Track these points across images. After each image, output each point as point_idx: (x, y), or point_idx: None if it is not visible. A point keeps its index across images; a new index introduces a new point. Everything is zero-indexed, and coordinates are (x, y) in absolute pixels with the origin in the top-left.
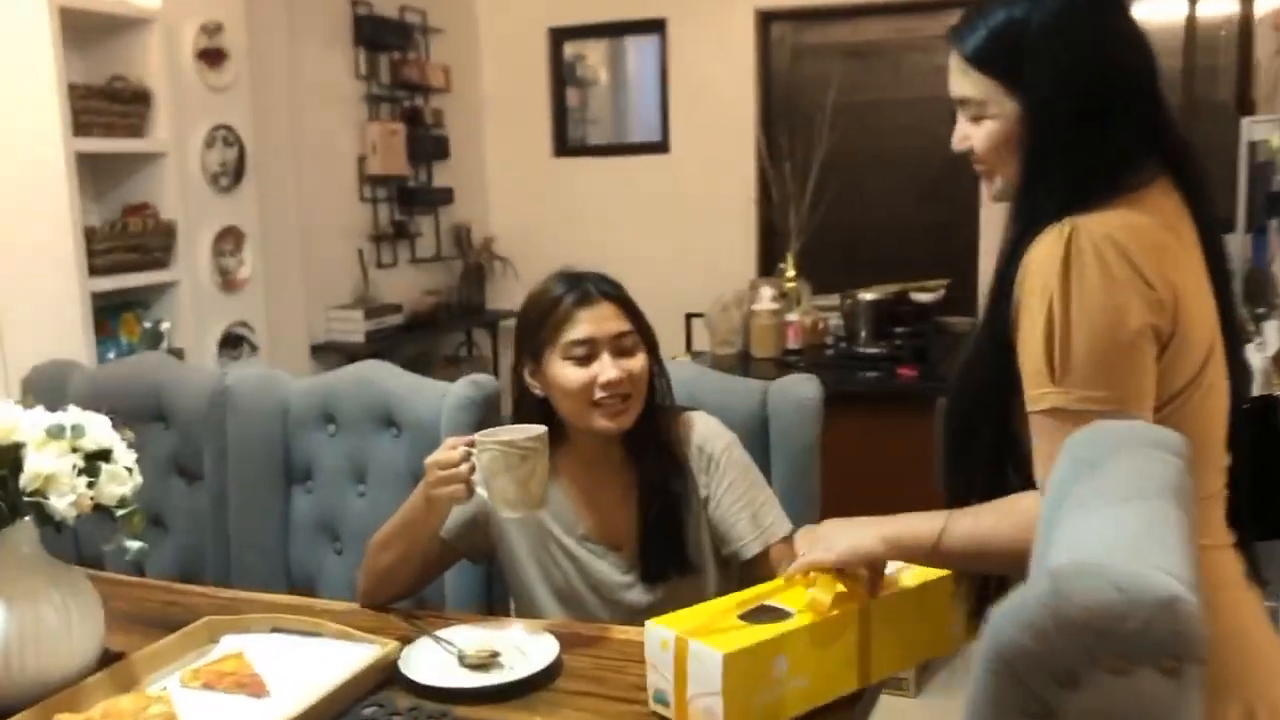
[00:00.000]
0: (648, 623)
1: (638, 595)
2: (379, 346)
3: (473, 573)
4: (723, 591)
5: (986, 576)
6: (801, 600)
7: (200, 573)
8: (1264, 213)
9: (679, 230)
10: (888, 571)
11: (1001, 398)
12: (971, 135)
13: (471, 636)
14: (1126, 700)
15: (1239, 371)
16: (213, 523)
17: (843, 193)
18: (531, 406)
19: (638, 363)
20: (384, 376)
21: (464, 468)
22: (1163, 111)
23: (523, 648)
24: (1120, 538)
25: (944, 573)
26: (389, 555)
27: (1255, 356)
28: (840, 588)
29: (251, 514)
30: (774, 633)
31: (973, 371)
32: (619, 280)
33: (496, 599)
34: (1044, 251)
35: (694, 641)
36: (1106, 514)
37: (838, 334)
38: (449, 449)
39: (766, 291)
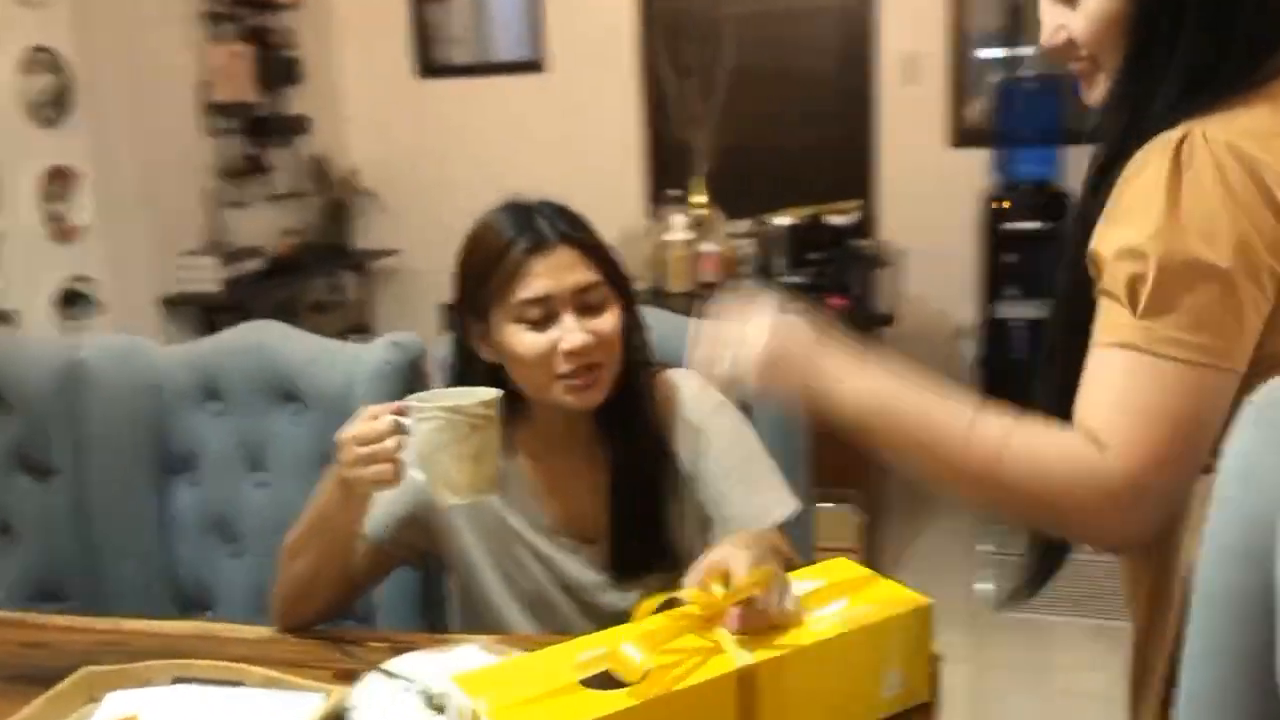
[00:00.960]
0: (454, 675)
1: (616, 597)
2: (239, 296)
3: (407, 575)
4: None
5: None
6: (695, 641)
7: (61, 590)
8: None
9: (562, 155)
10: (805, 614)
11: (1086, 342)
12: (1067, 22)
13: (429, 666)
14: None
15: None
16: (73, 527)
17: (738, 111)
18: (479, 375)
19: (607, 322)
20: (278, 340)
21: (391, 442)
22: None
23: None
24: None
25: (877, 617)
26: (302, 563)
27: None
28: (669, 645)
29: (121, 514)
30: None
31: (1057, 312)
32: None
33: (435, 604)
34: (1148, 163)
35: None
36: None
37: (753, 263)
38: (369, 419)
39: (678, 220)
